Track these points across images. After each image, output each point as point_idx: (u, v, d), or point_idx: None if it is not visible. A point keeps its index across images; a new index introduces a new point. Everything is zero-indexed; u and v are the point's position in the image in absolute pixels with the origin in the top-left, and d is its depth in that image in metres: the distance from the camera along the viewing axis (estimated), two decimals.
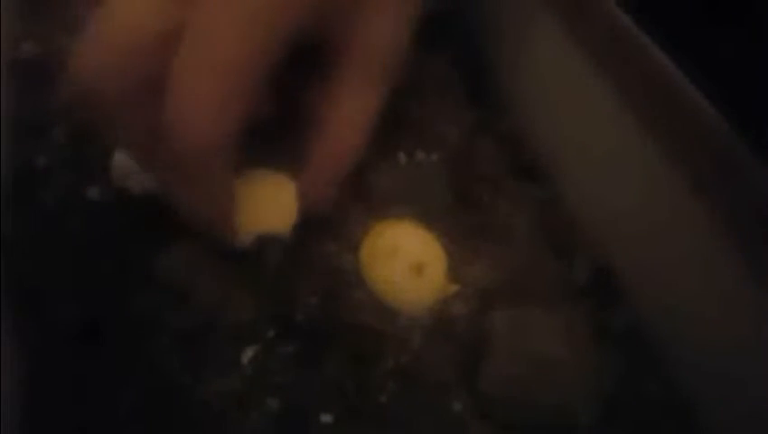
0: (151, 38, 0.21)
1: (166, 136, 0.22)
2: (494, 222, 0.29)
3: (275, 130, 0.31)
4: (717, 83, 0.21)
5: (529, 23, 0.31)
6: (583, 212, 0.29)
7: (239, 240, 0.29)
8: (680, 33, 0.22)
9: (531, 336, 0.25)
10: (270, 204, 0.29)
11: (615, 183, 0.27)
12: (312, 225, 0.29)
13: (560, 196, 0.30)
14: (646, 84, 0.23)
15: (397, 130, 0.32)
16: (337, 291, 0.28)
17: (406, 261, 0.27)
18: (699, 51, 0.22)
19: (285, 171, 0.30)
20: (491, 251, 0.28)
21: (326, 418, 0.26)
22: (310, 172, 0.28)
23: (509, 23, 0.33)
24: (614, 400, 0.24)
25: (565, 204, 0.30)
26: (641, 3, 0.25)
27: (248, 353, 0.27)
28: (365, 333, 0.27)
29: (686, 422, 0.24)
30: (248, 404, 0.26)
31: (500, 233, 0.29)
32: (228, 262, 0.29)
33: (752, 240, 0.20)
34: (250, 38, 0.21)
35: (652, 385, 0.24)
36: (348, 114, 0.27)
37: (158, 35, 0.21)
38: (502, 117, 0.33)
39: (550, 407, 0.24)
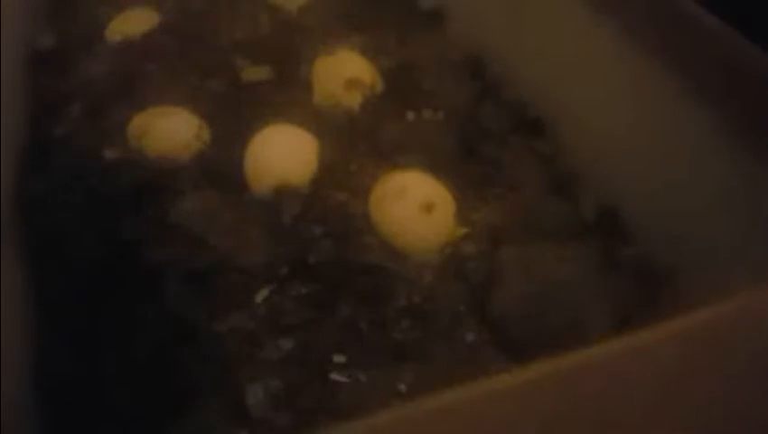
0: None
1: None
2: (499, 172, 0.30)
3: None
4: None
5: None
6: (585, 161, 0.30)
7: (259, 190, 0.30)
8: None
9: (540, 264, 0.25)
10: (291, 158, 0.30)
11: (615, 129, 0.28)
12: (325, 176, 0.31)
13: (563, 149, 0.31)
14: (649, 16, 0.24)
15: (405, 96, 0.34)
16: (349, 235, 0.29)
17: (415, 201, 0.28)
18: None
19: (308, 128, 0.32)
20: (498, 197, 0.29)
21: (339, 358, 0.26)
22: None
23: None
24: (626, 319, 0.24)
25: (568, 156, 0.31)
26: None
27: (262, 294, 0.28)
28: (377, 274, 0.28)
29: None
30: (262, 343, 0.26)
31: (506, 182, 0.30)
32: (244, 210, 0.30)
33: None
34: None
35: (658, 309, 0.25)
36: None
37: None
38: (503, 86, 0.35)
39: (561, 326, 0.24)
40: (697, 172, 0.26)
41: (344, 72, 0.33)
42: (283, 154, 0.30)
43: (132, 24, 0.41)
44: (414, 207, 0.28)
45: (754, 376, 0.16)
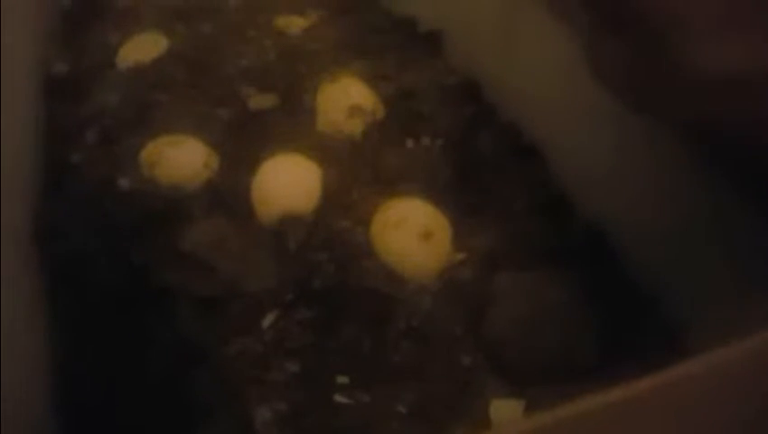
0: None
1: None
2: (494, 198, 0.32)
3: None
4: None
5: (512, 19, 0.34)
6: (573, 184, 0.31)
7: (264, 218, 0.32)
8: None
9: (531, 288, 0.27)
10: (296, 187, 0.32)
11: (602, 154, 0.29)
12: (329, 204, 0.32)
13: (554, 174, 0.33)
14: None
15: (404, 122, 0.36)
16: (351, 261, 0.30)
17: (414, 230, 0.29)
18: None
19: (312, 156, 0.33)
20: (493, 222, 0.31)
21: (343, 379, 0.28)
22: None
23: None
24: (614, 342, 0.25)
25: (558, 180, 0.32)
26: None
27: (268, 319, 0.29)
28: (378, 298, 0.29)
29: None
30: (268, 366, 0.28)
31: (500, 207, 0.31)
32: (251, 236, 0.31)
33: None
34: None
35: (648, 327, 0.26)
36: None
37: None
38: (496, 112, 0.36)
39: (554, 346, 0.25)
40: (686, 196, 0.27)
41: (346, 100, 0.35)
42: (288, 183, 0.31)
43: (142, 50, 0.42)
44: (413, 235, 0.29)
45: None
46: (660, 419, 0.16)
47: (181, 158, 0.34)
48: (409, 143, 0.34)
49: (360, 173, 0.33)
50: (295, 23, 0.44)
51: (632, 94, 0.20)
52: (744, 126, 0.17)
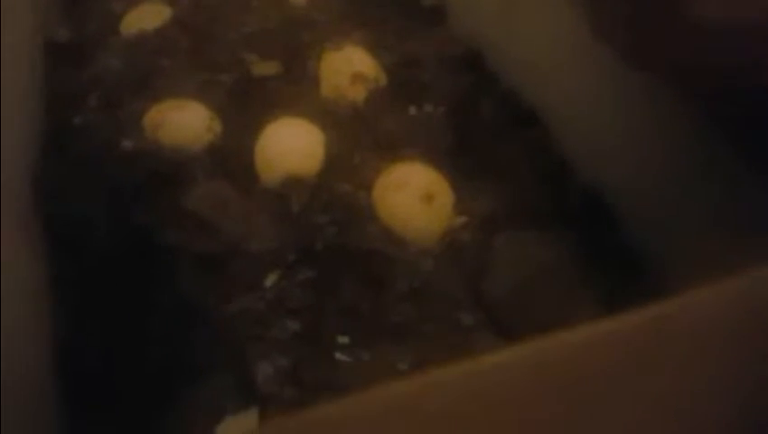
0: None
1: None
2: (495, 162, 0.32)
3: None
4: None
5: None
6: (573, 150, 0.31)
7: (268, 181, 0.32)
8: None
9: (530, 249, 0.27)
10: (299, 150, 0.32)
11: (600, 120, 0.30)
12: (331, 167, 0.32)
13: (553, 139, 0.33)
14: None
15: (407, 90, 0.36)
16: (353, 224, 0.30)
17: (415, 193, 0.30)
18: None
19: (315, 121, 0.33)
20: (493, 187, 0.31)
21: (343, 339, 0.28)
22: None
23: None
24: (611, 302, 0.26)
25: (557, 145, 0.32)
26: None
27: (270, 278, 0.29)
28: (379, 260, 0.29)
29: None
30: (270, 324, 0.28)
31: (501, 172, 0.31)
32: (254, 199, 0.31)
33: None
34: None
35: (644, 289, 0.26)
36: None
37: None
38: (498, 79, 0.36)
39: (548, 309, 0.26)
40: (682, 161, 0.27)
41: (350, 67, 0.35)
42: (291, 146, 0.32)
43: (146, 19, 0.42)
44: (415, 198, 0.30)
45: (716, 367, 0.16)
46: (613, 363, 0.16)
47: (184, 121, 0.34)
48: (412, 109, 0.35)
49: (362, 138, 0.33)
50: None
51: (633, 50, 0.21)
52: (743, 71, 0.17)
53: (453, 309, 0.28)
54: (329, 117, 0.33)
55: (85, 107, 0.37)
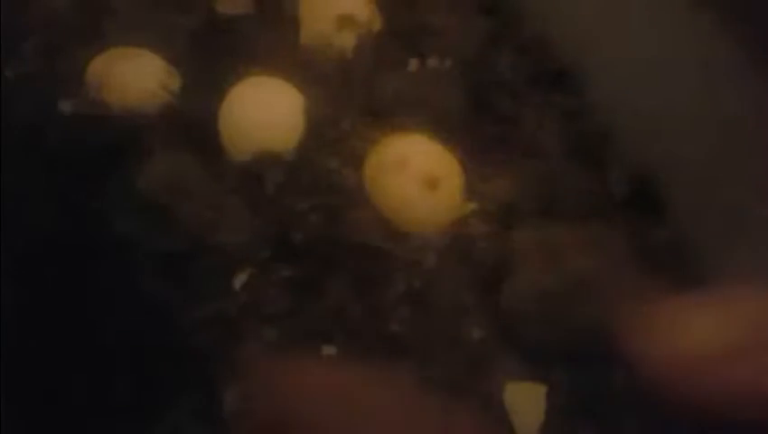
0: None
1: None
2: (516, 134, 0.27)
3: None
4: None
5: None
6: (618, 120, 0.26)
7: (236, 155, 0.27)
8: None
9: (560, 252, 0.22)
10: (273, 118, 0.27)
11: (656, 82, 0.24)
12: (313, 139, 0.27)
13: (591, 105, 0.27)
14: None
15: (407, 37, 0.30)
16: (340, 210, 0.26)
17: (417, 175, 0.25)
18: None
19: (294, 78, 0.28)
20: (514, 166, 0.26)
21: (329, 349, 0.24)
22: None
23: None
24: None
25: (596, 114, 0.27)
26: None
27: (240, 278, 0.25)
28: (372, 254, 0.25)
29: None
30: (242, 334, 0.24)
31: (523, 146, 0.27)
32: (219, 179, 0.27)
33: None
34: None
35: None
36: None
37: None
38: (523, 24, 0.30)
39: (584, 327, 0.21)
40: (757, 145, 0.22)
41: (336, 7, 0.29)
42: (264, 113, 0.26)
43: None
44: (416, 181, 0.25)
45: None
46: None
47: (133, 76, 0.28)
48: (412, 64, 0.29)
49: (351, 100, 0.27)
50: None
51: None
52: None
53: (460, 319, 0.24)
54: (310, 72, 0.28)
55: (22, 55, 0.31)
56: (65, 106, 0.29)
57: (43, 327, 0.25)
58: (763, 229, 0.22)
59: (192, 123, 0.28)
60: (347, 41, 0.29)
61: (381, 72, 0.28)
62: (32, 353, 0.25)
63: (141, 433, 0.23)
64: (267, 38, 0.30)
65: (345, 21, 0.29)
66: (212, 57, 0.29)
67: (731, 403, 0.18)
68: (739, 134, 0.24)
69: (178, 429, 0.23)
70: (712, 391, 0.18)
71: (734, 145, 0.24)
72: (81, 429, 0.23)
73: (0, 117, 0.28)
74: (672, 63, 0.25)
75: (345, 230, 0.25)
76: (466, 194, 0.26)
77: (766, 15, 0.21)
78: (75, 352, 0.24)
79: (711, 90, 0.24)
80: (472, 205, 0.26)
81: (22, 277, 0.26)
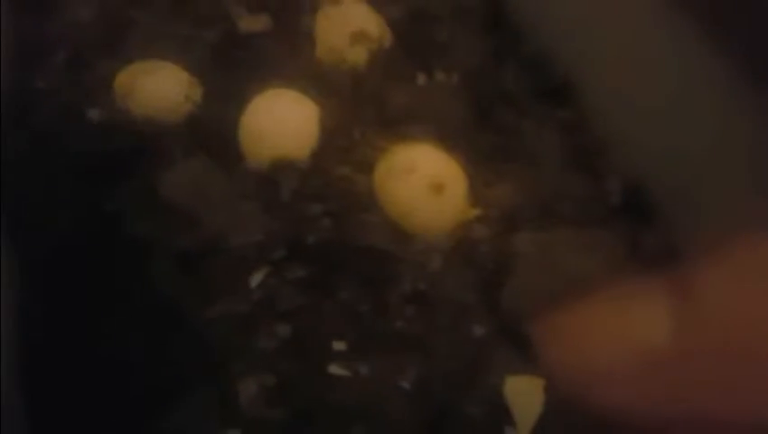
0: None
1: None
2: (518, 144, 0.28)
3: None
4: None
5: None
6: (617, 131, 0.27)
7: (254, 163, 0.28)
8: None
9: (560, 255, 0.23)
10: (290, 128, 0.28)
11: (650, 99, 0.25)
12: (327, 147, 0.28)
13: (589, 117, 0.28)
14: None
15: (416, 52, 0.31)
16: (351, 214, 0.27)
17: (423, 181, 0.26)
18: None
19: (309, 91, 0.29)
20: (515, 173, 0.27)
21: (339, 345, 0.25)
22: None
23: None
24: None
25: (594, 126, 0.28)
26: None
27: (256, 277, 0.26)
28: (380, 256, 0.26)
29: None
30: (257, 330, 0.25)
31: (524, 155, 0.28)
32: (238, 183, 0.28)
33: None
34: None
35: None
36: None
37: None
38: (525, 41, 0.31)
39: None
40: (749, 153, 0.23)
41: (349, 25, 0.30)
42: (281, 123, 0.28)
43: None
44: (422, 187, 0.26)
45: None
46: None
47: (157, 88, 0.29)
48: (420, 77, 0.30)
49: (362, 111, 0.29)
50: None
51: None
52: None
53: (463, 318, 0.25)
54: (325, 85, 0.29)
55: (51, 66, 0.33)
56: (93, 114, 0.30)
57: (69, 327, 0.26)
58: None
59: (213, 132, 0.29)
60: (360, 56, 0.30)
61: (391, 85, 0.29)
62: (56, 349, 0.26)
63: (158, 424, 0.23)
64: (285, 53, 0.31)
65: (358, 37, 0.30)
66: (233, 70, 0.31)
67: (648, 420, 0.15)
68: (730, 143, 0.24)
69: (193, 422, 0.23)
70: (623, 405, 0.16)
71: (725, 154, 0.25)
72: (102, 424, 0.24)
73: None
74: (669, 78, 0.26)
75: (355, 232, 0.26)
76: (470, 200, 0.27)
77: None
78: (91, 348, 0.25)
79: (707, 104, 0.25)
80: (476, 210, 0.27)
81: (48, 279, 0.27)
